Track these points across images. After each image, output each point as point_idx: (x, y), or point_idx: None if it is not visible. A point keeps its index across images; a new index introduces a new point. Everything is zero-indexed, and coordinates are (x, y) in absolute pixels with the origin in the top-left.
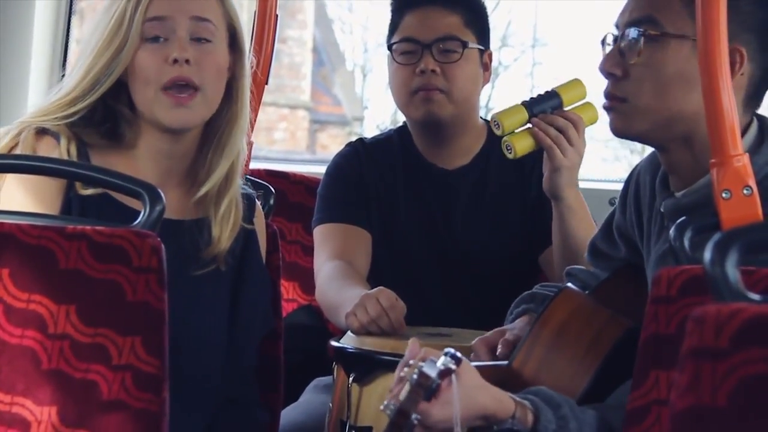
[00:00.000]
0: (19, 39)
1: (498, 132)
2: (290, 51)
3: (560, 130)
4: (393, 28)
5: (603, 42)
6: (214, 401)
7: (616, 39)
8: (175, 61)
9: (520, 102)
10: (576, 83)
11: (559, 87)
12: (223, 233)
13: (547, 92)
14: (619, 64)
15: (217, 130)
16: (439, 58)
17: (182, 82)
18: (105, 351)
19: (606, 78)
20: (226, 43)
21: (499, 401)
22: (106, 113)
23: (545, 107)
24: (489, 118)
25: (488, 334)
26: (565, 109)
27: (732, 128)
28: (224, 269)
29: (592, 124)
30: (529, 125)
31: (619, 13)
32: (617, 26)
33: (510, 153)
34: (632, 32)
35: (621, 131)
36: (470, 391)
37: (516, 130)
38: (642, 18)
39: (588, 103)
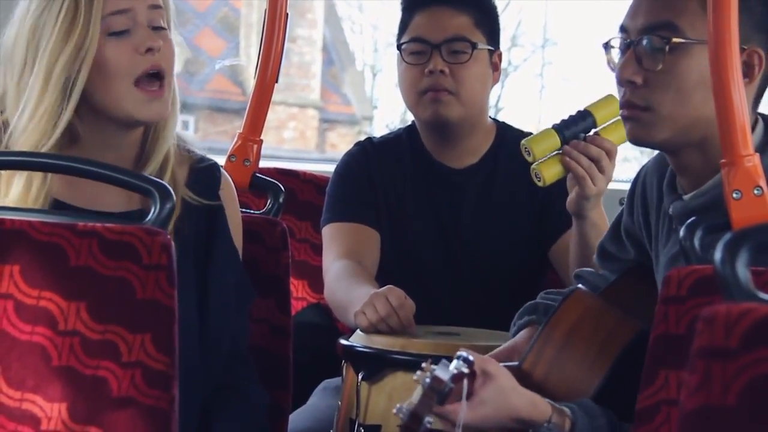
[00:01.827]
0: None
1: (529, 159)
2: (300, 50)
3: (593, 160)
4: (403, 27)
5: (606, 46)
6: (201, 388)
7: (628, 44)
8: (148, 50)
9: (551, 126)
10: (609, 100)
11: (592, 105)
12: None
13: (579, 112)
14: (638, 72)
15: None
16: (448, 58)
17: (155, 71)
18: (115, 348)
19: (623, 86)
20: None
21: (534, 405)
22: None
23: (577, 131)
24: (497, 117)
25: (495, 351)
26: (598, 128)
27: (743, 128)
28: (176, 253)
29: (623, 143)
30: (559, 151)
31: (628, 16)
32: (624, 29)
33: (539, 181)
34: (652, 40)
35: (642, 140)
36: (504, 392)
37: (546, 157)
38: (660, 24)
39: (620, 121)
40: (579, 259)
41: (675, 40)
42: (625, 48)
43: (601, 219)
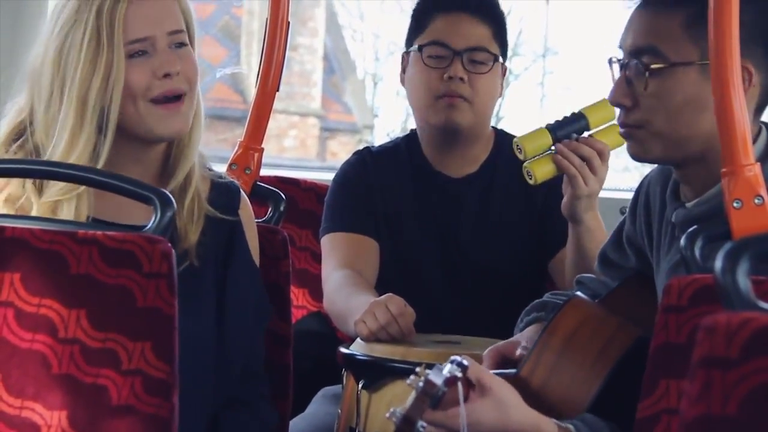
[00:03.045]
0: (32, 38)
1: (520, 156)
2: (301, 59)
3: (584, 159)
4: (419, 28)
5: (610, 62)
6: (212, 401)
7: (622, 65)
8: (166, 75)
9: (544, 125)
10: (604, 104)
11: (586, 108)
12: (189, 228)
13: (573, 114)
14: (627, 95)
15: None
16: (469, 67)
17: (173, 95)
18: (115, 356)
19: (617, 107)
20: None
21: (538, 425)
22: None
23: (570, 131)
24: (498, 126)
25: (499, 344)
26: (592, 131)
27: (744, 138)
28: (198, 264)
29: (617, 147)
30: (551, 150)
31: (622, 35)
32: (621, 48)
33: (531, 179)
34: (636, 64)
35: (639, 156)
36: (504, 407)
37: (538, 156)
38: (644, 47)
39: (615, 125)
40: (575, 266)
41: (655, 65)
42: (620, 69)
43: (597, 225)
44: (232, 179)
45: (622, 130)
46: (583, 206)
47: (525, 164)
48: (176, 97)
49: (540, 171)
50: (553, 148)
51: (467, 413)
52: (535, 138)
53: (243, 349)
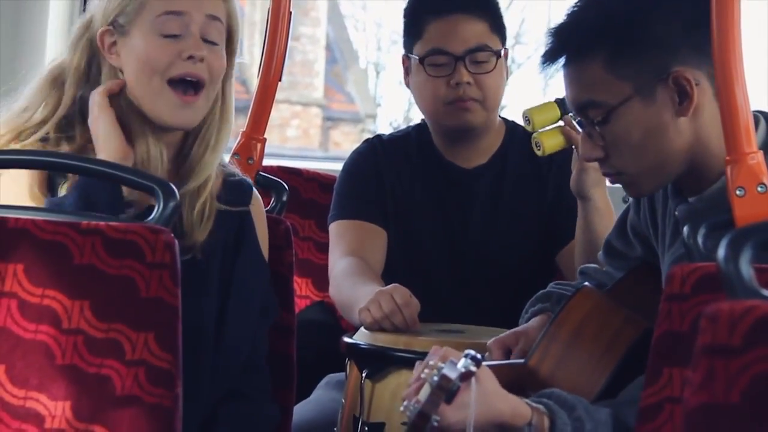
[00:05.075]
0: (34, 38)
1: (528, 128)
2: (303, 48)
3: None
4: (416, 34)
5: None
6: (210, 392)
7: (579, 123)
8: (190, 57)
9: (553, 99)
10: None
11: None
12: (196, 228)
13: None
14: (593, 148)
15: (203, 127)
16: (472, 68)
17: (192, 78)
18: (118, 346)
19: (593, 162)
20: (225, 43)
21: (516, 408)
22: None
23: None
24: (501, 113)
25: (503, 335)
26: None
27: (746, 126)
28: (201, 257)
29: None
30: (560, 123)
31: (565, 93)
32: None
33: (539, 150)
34: (583, 121)
35: (638, 195)
36: (488, 397)
37: (547, 128)
38: (584, 103)
39: None
40: (584, 250)
41: (599, 118)
42: (579, 126)
43: (606, 205)
44: (245, 176)
45: (610, 179)
46: (592, 180)
47: (534, 135)
48: (192, 86)
49: (549, 142)
50: (561, 121)
51: (456, 408)
52: (544, 111)
53: (246, 343)
